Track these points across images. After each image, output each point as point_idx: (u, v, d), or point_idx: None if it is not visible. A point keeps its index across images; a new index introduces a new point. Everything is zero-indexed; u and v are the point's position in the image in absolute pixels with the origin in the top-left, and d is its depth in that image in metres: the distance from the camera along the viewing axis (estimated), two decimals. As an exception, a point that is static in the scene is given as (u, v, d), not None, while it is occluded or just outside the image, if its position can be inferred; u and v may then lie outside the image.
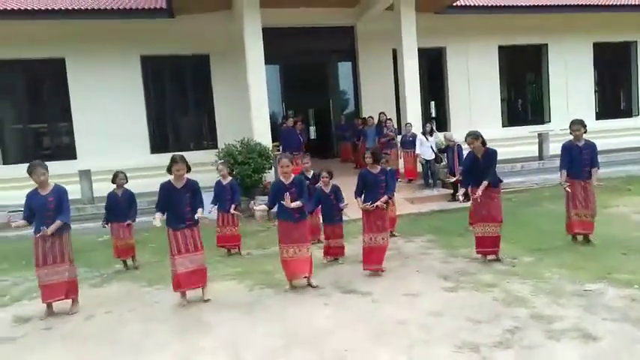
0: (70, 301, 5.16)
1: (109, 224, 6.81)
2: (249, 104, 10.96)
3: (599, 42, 15.29)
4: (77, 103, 11.84)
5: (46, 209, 4.95)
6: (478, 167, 5.76)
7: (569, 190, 6.19)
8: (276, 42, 11.66)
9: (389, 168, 6.38)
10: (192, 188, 5.10)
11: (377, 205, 5.55)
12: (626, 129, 15.06)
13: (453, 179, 6.59)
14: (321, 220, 6.81)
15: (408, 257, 6.36)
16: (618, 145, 13.44)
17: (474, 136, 5.78)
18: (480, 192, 5.66)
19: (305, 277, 5.36)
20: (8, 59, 11.56)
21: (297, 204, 5.20)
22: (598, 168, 6.23)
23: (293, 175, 5.44)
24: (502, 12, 13.66)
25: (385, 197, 5.60)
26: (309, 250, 5.38)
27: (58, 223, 4.95)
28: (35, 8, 10.91)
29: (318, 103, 15.64)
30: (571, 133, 6.25)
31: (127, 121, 11.99)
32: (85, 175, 10.33)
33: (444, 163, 10.81)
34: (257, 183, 10.36)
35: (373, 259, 5.68)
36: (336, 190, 6.41)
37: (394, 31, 11.98)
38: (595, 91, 15.75)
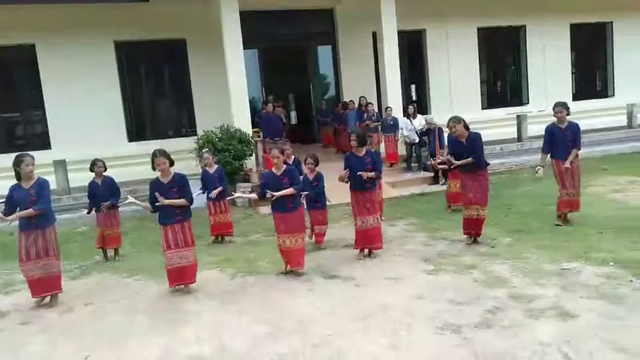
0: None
1: (95, 213, 6.66)
2: (227, 90, 10.78)
3: (576, 23, 15.41)
4: (49, 90, 11.46)
5: (28, 202, 4.80)
6: (463, 151, 5.77)
7: (556, 170, 6.25)
8: (254, 25, 11.43)
9: (373, 150, 6.37)
10: (179, 183, 5.01)
11: (365, 178, 5.51)
12: (603, 109, 15.29)
13: (438, 162, 6.59)
14: (305, 207, 6.79)
15: (390, 241, 6.39)
16: (595, 126, 13.66)
17: (455, 120, 5.79)
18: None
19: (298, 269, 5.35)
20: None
21: (289, 191, 5.21)
22: (579, 149, 6.28)
23: (284, 167, 5.40)
24: (481, -7, 13.64)
25: (372, 173, 5.57)
26: (304, 240, 5.42)
27: (29, 211, 4.78)
28: (2, -8, 10.47)
29: (299, 88, 15.48)
30: (554, 115, 6.30)
31: (102, 109, 11.66)
32: (60, 165, 10.07)
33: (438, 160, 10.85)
34: (237, 170, 10.26)
35: (367, 241, 5.73)
36: (319, 178, 6.38)
37: (374, 14, 11.86)
38: (572, 73, 15.93)
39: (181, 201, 4.97)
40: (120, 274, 5.95)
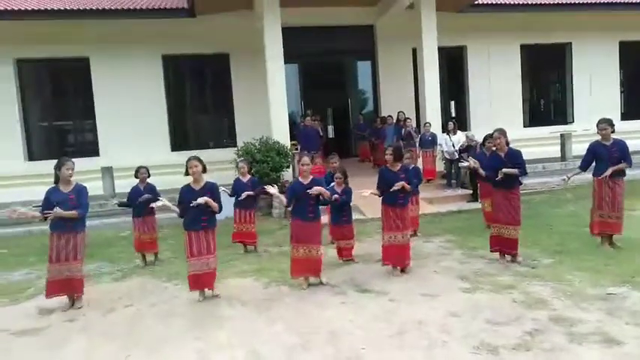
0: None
1: (132, 218, 6.91)
2: (268, 103, 11.01)
3: (626, 41, 14.91)
4: (100, 101, 12.08)
5: (67, 205, 5.02)
6: (501, 166, 5.67)
7: (596, 188, 6.04)
8: (295, 41, 11.69)
9: (411, 166, 6.33)
10: (211, 190, 5.13)
11: (397, 187, 5.50)
12: (653, 130, 14.64)
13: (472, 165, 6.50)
14: (330, 221, 6.80)
15: (426, 257, 6.31)
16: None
17: (501, 132, 5.75)
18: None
19: (315, 277, 5.37)
20: (35, 58, 11.86)
21: (323, 191, 5.24)
22: (629, 165, 6.01)
23: (311, 176, 5.46)
24: (524, 10, 13.43)
25: (401, 183, 5.51)
26: (319, 252, 5.37)
27: (73, 212, 5.01)
28: (61, 8, 11.15)
29: (337, 103, 15.62)
30: (598, 133, 6.10)
31: (148, 120, 12.18)
32: (107, 171, 10.54)
33: (466, 163, 10.68)
34: (275, 181, 10.37)
35: (393, 258, 5.66)
36: (347, 192, 6.38)
37: (414, 30, 11.89)
38: (621, 92, 15.35)
39: (204, 198, 4.98)
40: (159, 279, 6.13)
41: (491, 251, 5.92)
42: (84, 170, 8.55)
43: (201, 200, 4.97)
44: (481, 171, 5.92)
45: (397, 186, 5.49)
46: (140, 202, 6.76)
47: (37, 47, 11.54)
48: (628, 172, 6.20)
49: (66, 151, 12.13)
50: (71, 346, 4.20)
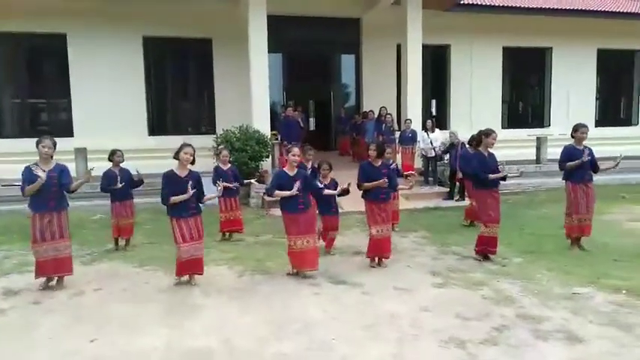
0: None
1: (111, 204, 6.76)
2: (249, 91, 10.90)
3: (604, 48, 15.27)
4: (76, 80, 11.74)
5: (49, 184, 4.89)
6: (487, 167, 5.75)
7: (572, 193, 6.20)
8: (280, 30, 11.58)
9: (392, 162, 6.38)
10: (195, 179, 5.09)
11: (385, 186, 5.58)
12: (625, 137, 15.04)
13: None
14: (317, 212, 6.80)
15: (400, 252, 6.37)
16: (615, 153, 13.38)
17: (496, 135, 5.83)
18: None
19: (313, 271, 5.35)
20: (10, 32, 11.41)
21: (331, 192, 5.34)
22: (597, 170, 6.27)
23: (297, 169, 5.45)
24: (509, 12, 13.58)
25: (382, 180, 5.56)
26: (315, 241, 5.39)
27: (79, 182, 5.07)
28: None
29: (320, 95, 15.57)
30: (575, 136, 6.23)
31: (126, 102, 11.90)
32: (81, 153, 10.27)
33: (445, 160, 10.84)
34: (253, 171, 10.34)
35: (378, 250, 5.73)
36: (334, 184, 6.39)
37: (400, 26, 11.91)
38: (596, 98, 15.74)
39: (214, 195, 5.17)
40: (131, 263, 6.04)
41: (477, 252, 5.94)
42: (57, 150, 8.29)
43: (186, 196, 4.94)
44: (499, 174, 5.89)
45: (379, 183, 5.53)
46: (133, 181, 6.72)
47: (12, 20, 11.12)
48: (596, 176, 6.38)
49: (39, 129, 11.74)
50: (37, 329, 4.10)
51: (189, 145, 5.08)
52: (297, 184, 5.20)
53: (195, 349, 3.69)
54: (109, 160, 6.79)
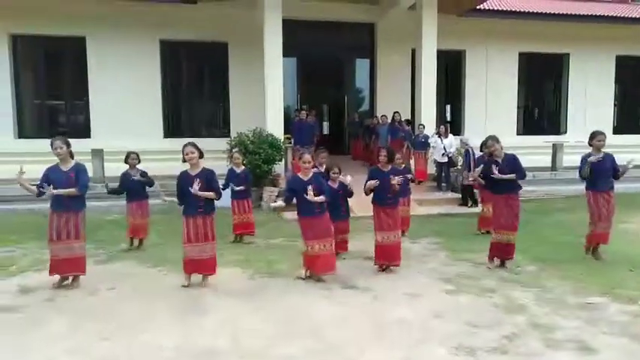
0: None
1: (127, 203, 6.86)
2: (264, 95, 10.98)
3: (622, 55, 15.04)
4: (95, 82, 11.97)
5: (66, 184, 5.01)
6: (502, 172, 5.69)
7: (593, 202, 6.07)
8: (295, 34, 11.65)
9: (403, 166, 6.36)
10: (208, 176, 5.12)
11: (393, 183, 5.51)
12: (643, 145, 14.82)
13: (470, 180, 6.50)
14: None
15: (412, 258, 6.34)
16: (635, 162, 13.20)
17: (494, 139, 5.77)
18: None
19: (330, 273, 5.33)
20: (31, 34, 11.71)
21: (320, 198, 5.21)
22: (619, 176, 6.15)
23: (312, 171, 5.45)
24: (525, 18, 13.48)
25: (399, 178, 5.55)
26: (332, 245, 5.36)
27: (72, 190, 5.02)
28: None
29: (333, 99, 15.60)
30: (592, 144, 6.13)
31: (142, 104, 12.09)
32: (98, 154, 10.45)
33: (457, 167, 10.80)
34: (266, 174, 10.40)
35: (386, 257, 5.69)
36: (344, 187, 6.39)
37: (415, 31, 11.90)
38: (614, 105, 15.50)
39: (211, 194, 5.07)
40: (145, 264, 6.11)
41: (489, 259, 5.91)
42: (75, 151, 8.43)
43: (193, 190, 4.97)
44: (480, 180, 5.92)
45: (396, 181, 5.50)
46: (133, 180, 6.76)
47: (33, 23, 11.40)
48: (616, 185, 6.28)
49: (57, 130, 11.93)
50: (50, 326, 4.17)
51: (190, 143, 5.13)
52: (310, 189, 5.18)
53: (204, 348, 3.73)
54: (125, 162, 6.91)
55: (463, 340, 3.82)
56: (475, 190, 9.66)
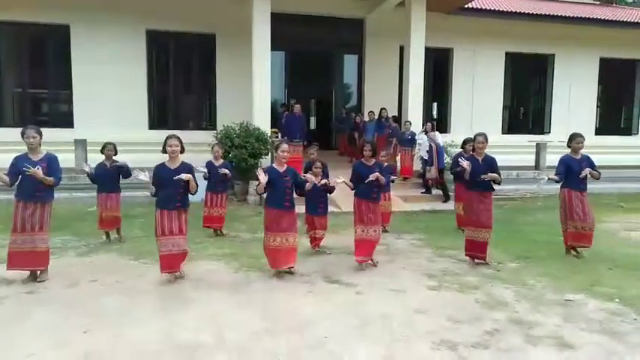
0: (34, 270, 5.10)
1: (97, 194, 6.76)
2: (251, 88, 10.91)
3: (606, 57, 15.29)
4: (79, 71, 11.74)
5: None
6: (478, 170, 5.77)
7: (567, 200, 6.18)
8: (283, 28, 11.58)
9: (385, 164, 6.39)
10: (187, 170, 5.05)
11: (373, 179, 5.52)
12: (625, 146, 15.12)
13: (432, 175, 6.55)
14: (304, 210, 6.75)
15: (396, 254, 6.39)
16: (614, 162, 13.49)
17: (485, 137, 5.84)
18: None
19: (290, 268, 5.35)
20: (14, 21, 11.42)
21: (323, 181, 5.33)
22: (598, 177, 6.21)
23: (286, 165, 5.42)
24: (512, 18, 13.61)
25: (376, 174, 5.54)
26: (295, 240, 5.35)
27: (50, 179, 4.89)
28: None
29: (321, 94, 15.58)
30: (571, 146, 6.26)
31: (127, 95, 11.91)
32: (81, 144, 10.27)
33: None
34: (252, 167, 10.33)
35: (363, 251, 5.70)
36: (325, 182, 6.37)
37: (403, 28, 11.93)
38: (597, 107, 15.77)
39: (188, 175, 4.95)
40: (127, 256, 6.05)
41: (466, 255, 5.98)
42: (57, 141, 8.31)
43: (183, 176, 4.91)
44: (467, 174, 5.97)
45: (372, 177, 5.52)
46: (105, 169, 6.68)
47: (16, 10, 11.12)
48: (595, 185, 6.40)
49: (39, 120, 11.74)
50: (30, 319, 4.11)
51: (174, 136, 5.06)
52: (287, 184, 5.20)
53: (187, 342, 3.70)
54: (101, 152, 6.80)
55: (445, 335, 3.87)
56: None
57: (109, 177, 6.67)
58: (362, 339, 3.82)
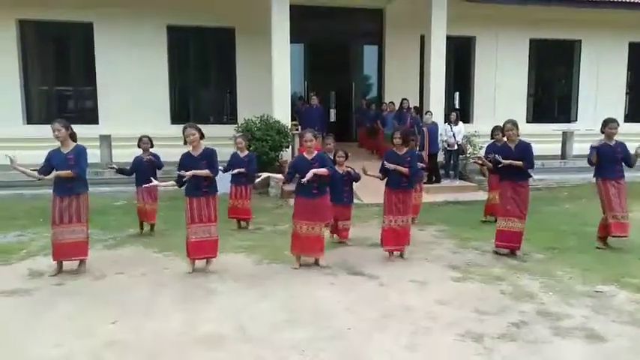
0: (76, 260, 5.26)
1: (136, 187, 6.89)
2: (271, 81, 10.90)
3: (636, 42, 14.75)
4: (102, 68, 11.94)
5: (65, 166, 5.02)
6: (510, 158, 5.63)
7: (603, 190, 5.98)
8: (303, 20, 11.52)
9: (416, 152, 6.31)
10: (209, 156, 5.11)
11: (392, 169, 5.47)
12: (655, 133, 14.59)
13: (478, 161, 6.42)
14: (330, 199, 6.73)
15: (418, 245, 6.32)
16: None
17: (514, 123, 5.70)
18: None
19: (315, 258, 5.34)
20: (38, 20, 11.67)
21: (322, 171, 5.15)
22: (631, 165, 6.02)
23: (316, 151, 5.40)
24: (535, 3, 13.19)
25: (403, 168, 5.50)
26: (322, 230, 5.34)
27: (67, 172, 5.00)
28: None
29: (341, 86, 15.47)
30: (605, 131, 6.05)
31: (149, 90, 12.06)
32: (105, 140, 10.48)
33: (466, 155, 10.81)
34: (273, 161, 10.37)
35: (391, 241, 5.65)
36: (350, 172, 6.36)
37: (424, 17, 11.73)
38: (626, 93, 15.25)
39: (206, 172, 5.01)
40: (152, 249, 6.15)
41: (496, 245, 5.84)
42: (82, 137, 8.39)
43: (189, 174, 4.96)
44: (488, 164, 5.87)
45: (391, 166, 5.48)
46: (143, 162, 6.81)
47: (40, 9, 11.35)
48: (627, 173, 6.18)
49: (64, 116, 11.93)
50: (58, 309, 4.22)
51: (190, 125, 5.13)
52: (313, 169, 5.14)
53: (208, 333, 3.74)
54: (138, 146, 6.94)
55: (470, 326, 3.81)
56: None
57: (147, 170, 6.78)
58: (384, 330, 3.79)
